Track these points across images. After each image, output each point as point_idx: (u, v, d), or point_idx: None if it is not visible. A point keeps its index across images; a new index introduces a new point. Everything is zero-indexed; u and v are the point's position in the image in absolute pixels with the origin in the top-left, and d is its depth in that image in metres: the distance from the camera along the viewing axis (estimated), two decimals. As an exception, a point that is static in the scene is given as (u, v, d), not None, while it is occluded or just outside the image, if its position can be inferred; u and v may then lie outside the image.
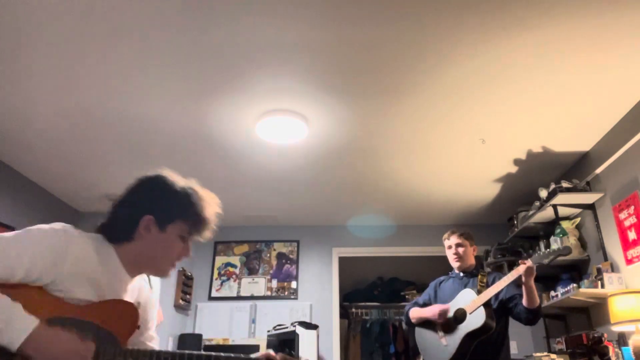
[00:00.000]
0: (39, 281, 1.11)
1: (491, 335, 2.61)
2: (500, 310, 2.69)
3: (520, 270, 2.52)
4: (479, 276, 2.78)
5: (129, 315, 1.21)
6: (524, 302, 2.56)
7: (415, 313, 2.88)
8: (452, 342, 2.63)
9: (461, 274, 2.90)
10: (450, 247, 2.92)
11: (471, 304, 2.63)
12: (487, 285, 2.71)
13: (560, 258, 3.49)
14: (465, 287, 2.79)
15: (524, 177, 4.14)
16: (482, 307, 2.58)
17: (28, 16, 2.34)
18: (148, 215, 1.26)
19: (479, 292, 2.66)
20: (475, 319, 2.58)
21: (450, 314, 2.69)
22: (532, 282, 2.53)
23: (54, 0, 2.24)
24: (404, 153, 3.76)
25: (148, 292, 1.43)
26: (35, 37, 2.48)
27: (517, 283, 2.60)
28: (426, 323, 2.82)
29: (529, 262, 2.53)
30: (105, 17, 2.36)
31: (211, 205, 1.32)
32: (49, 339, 1.03)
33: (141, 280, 1.39)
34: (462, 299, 2.71)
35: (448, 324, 2.68)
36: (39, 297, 1.10)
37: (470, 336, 2.58)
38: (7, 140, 3.57)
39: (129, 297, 1.29)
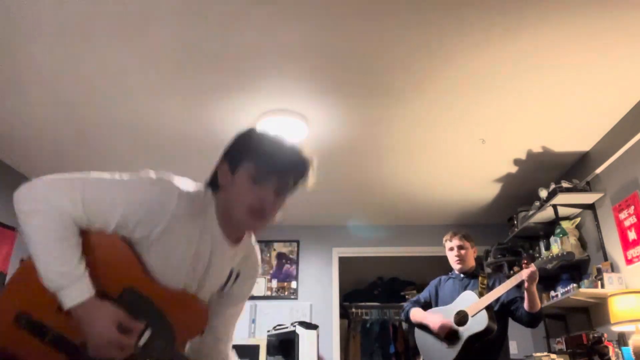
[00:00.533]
0: (132, 234, 1.10)
1: (491, 337, 2.61)
2: (501, 313, 2.70)
3: (523, 275, 2.52)
4: (480, 278, 2.78)
5: (199, 317, 1.19)
6: (526, 306, 2.57)
7: (417, 316, 2.86)
8: (455, 344, 2.63)
9: (461, 275, 2.90)
10: (452, 248, 2.92)
11: (473, 307, 2.62)
12: (488, 287, 2.71)
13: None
14: (465, 288, 2.79)
15: (524, 177, 4.14)
16: (484, 310, 2.58)
17: (28, 16, 2.34)
18: (223, 160, 1.25)
19: (480, 295, 2.66)
20: (478, 322, 2.58)
21: (452, 321, 2.68)
22: (534, 288, 2.53)
23: (54, 0, 2.24)
24: (404, 153, 3.76)
25: (254, 267, 1.37)
26: (35, 37, 2.48)
27: (518, 286, 2.61)
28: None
29: (532, 267, 2.53)
30: (105, 17, 2.36)
31: (278, 143, 1.23)
32: (94, 316, 1.03)
33: (252, 251, 1.36)
34: (463, 301, 2.71)
35: (449, 332, 2.67)
36: (125, 259, 1.10)
37: (473, 339, 2.58)
38: (7, 140, 3.57)
39: (227, 263, 1.27)
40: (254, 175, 1.18)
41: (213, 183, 1.27)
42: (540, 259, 2.64)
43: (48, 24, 2.39)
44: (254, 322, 5.12)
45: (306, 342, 3.96)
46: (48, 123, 3.32)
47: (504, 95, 2.98)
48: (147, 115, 3.24)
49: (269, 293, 5.28)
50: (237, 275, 1.31)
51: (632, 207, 3.14)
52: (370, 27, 2.45)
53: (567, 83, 2.86)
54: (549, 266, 2.58)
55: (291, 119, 3.23)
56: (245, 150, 1.22)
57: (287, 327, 4.20)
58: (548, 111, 3.16)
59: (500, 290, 2.60)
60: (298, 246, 5.46)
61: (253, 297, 5.22)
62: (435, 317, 2.73)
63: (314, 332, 4.04)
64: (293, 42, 2.55)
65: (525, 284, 2.52)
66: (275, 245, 5.48)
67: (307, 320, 4.93)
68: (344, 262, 5.52)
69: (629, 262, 3.18)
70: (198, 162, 3.92)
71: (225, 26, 2.42)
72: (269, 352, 4.51)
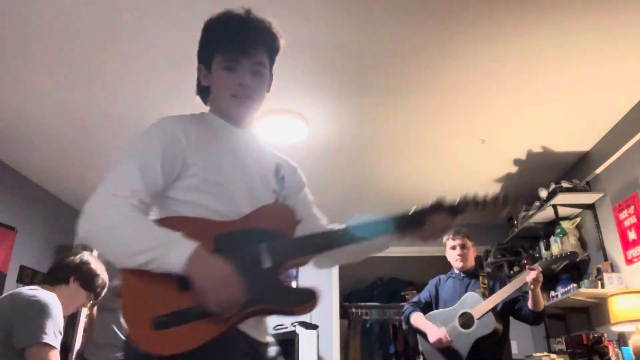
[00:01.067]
0: (182, 178, 1.11)
1: (498, 338, 2.63)
2: (503, 312, 2.70)
3: (528, 278, 2.53)
4: (480, 278, 2.78)
5: (288, 217, 1.18)
6: (530, 305, 2.59)
7: (417, 323, 2.84)
8: (462, 347, 2.61)
9: (462, 275, 2.89)
10: (454, 247, 2.91)
11: (478, 309, 2.62)
12: (489, 287, 2.71)
13: (560, 257, 3.47)
14: (466, 288, 2.79)
15: (524, 177, 4.14)
16: (490, 313, 2.59)
17: (28, 16, 2.34)
18: (199, 64, 1.28)
19: (483, 296, 2.67)
20: (485, 325, 2.59)
21: (455, 323, 2.67)
22: (539, 289, 2.54)
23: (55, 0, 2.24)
24: (404, 153, 3.76)
25: (298, 175, 1.38)
26: (35, 37, 2.48)
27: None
28: None
29: (537, 268, 2.54)
30: (106, 17, 2.36)
31: (231, 24, 1.25)
32: (209, 262, 1.00)
33: (287, 163, 1.37)
34: (467, 302, 2.70)
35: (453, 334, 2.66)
36: (201, 224, 1.09)
37: (480, 341, 2.58)
38: (7, 140, 3.57)
39: (258, 156, 1.28)
40: (225, 64, 1.21)
41: (201, 91, 1.30)
42: (544, 260, 2.64)
43: (48, 23, 2.39)
44: (254, 322, 5.12)
45: (306, 342, 3.96)
46: (48, 123, 3.31)
47: (504, 95, 2.98)
48: (147, 115, 3.23)
49: (269, 293, 5.27)
50: (279, 169, 1.32)
51: (632, 207, 3.14)
52: (370, 27, 2.45)
53: (567, 83, 2.86)
54: (554, 267, 2.60)
55: (291, 118, 3.23)
56: (209, 45, 1.25)
57: (287, 327, 4.20)
58: (548, 111, 3.16)
59: (506, 292, 2.61)
60: (298, 246, 5.45)
61: (253, 297, 5.23)
62: (433, 330, 2.69)
63: (314, 332, 4.05)
64: (293, 42, 2.55)
65: (531, 286, 2.52)
66: (275, 245, 5.47)
67: (307, 320, 4.93)
68: (344, 262, 5.51)
69: (629, 262, 3.18)
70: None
71: (225, 26, 2.42)
72: (269, 352, 4.51)
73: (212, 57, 1.23)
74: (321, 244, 1.19)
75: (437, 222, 1.25)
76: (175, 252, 0.98)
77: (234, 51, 1.20)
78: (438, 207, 1.27)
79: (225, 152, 1.18)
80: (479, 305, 2.63)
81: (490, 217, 1.32)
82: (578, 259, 2.63)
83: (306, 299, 1.08)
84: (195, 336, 0.97)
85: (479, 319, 2.60)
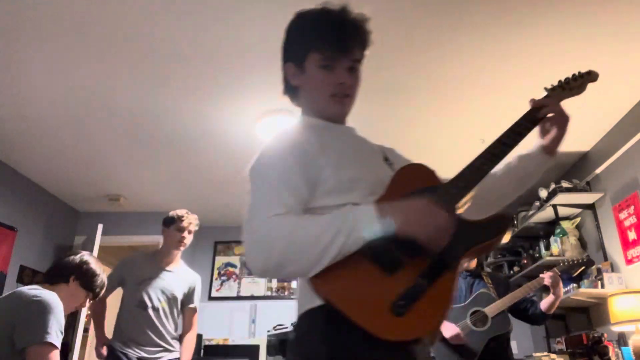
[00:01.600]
0: (319, 183, 1.04)
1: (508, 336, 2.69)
2: (508, 311, 2.74)
3: (547, 281, 2.60)
4: (484, 277, 2.81)
5: (425, 171, 1.18)
6: (545, 307, 2.66)
7: None
8: (475, 345, 2.62)
9: (465, 274, 2.90)
10: None
11: (493, 308, 2.65)
12: (494, 287, 2.75)
13: (560, 257, 3.54)
14: (471, 287, 2.80)
15: (524, 177, 4.14)
16: (504, 312, 2.64)
17: (28, 14, 2.34)
18: (287, 62, 1.20)
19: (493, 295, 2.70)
20: (501, 324, 2.63)
21: (467, 320, 2.67)
22: (560, 291, 2.62)
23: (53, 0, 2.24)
24: (404, 152, 3.75)
25: (398, 156, 1.39)
26: (35, 35, 2.48)
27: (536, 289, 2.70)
28: None
29: (556, 272, 2.62)
30: (106, 17, 2.36)
31: (329, 19, 1.15)
32: (399, 205, 0.95)
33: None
34: (478, 300, 2.71)
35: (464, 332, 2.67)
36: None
37: (491, 340, 2.61)
38: (7, 140, 3.57)
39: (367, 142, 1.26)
40: (322, 63, 1.13)
41: (289, 91, 1.23)
42: (562, 265, 2.71)
43: (48, 23, 2.39)
44: (254, 322, 5.13)
45: (306, 342, 3.95)
46: (48, 123, 3.32)
47: (504, 95, 2.99)
48: (147, 116, 3.24)
49: (269, 293, 5.28)
50: (386, 155, 1.32)
51: (632, 207, 3.14)
52: (370, 27, 2.45)
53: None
54: (572, 272, 2.68)
55: (291, 118, 3.23)
56: (303, 43, 1.16)
57: (287, 327, 4.20)
58: (548, 111, 3.16)
59: (523, 292, 2.65)
60: (298, 246, 5.46)
61: (253, 297, 5.23)
62: (449, 326, 2.67)
63: (314, 332, 4.04)
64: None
65: (552, 289, 2.61)
66: (275, 245, 5.48)
67: (307, 320, 4.93)
68: (344, 262, 5.52)
69: (629, 262, 3.18)
70: (197, 160, 3.92)
71: (225, 23, 2.42)
72: (269, 352, 4.52)
73: (306, 55, 1.14)
74: (480, 166, 1.19)
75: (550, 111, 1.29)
76: (363, 214, 0.93)
77: (334, 50, 1.13)
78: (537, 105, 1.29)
79: (344, 147, 1.13)
80: (494, 304, 2.65)
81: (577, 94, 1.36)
82: (593, 265, 2.71)
83: (502, 226, 1.04)
84: (439, 303, 0.91)
85: (493, 317, 2.62)
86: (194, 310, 2.88)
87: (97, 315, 2.85)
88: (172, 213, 2.84)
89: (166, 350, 2.73)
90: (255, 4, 2.29)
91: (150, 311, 2.68)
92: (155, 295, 2.70)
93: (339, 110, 1.19)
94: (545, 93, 1.35)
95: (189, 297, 2.84)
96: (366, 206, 0.95)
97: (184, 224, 2.78)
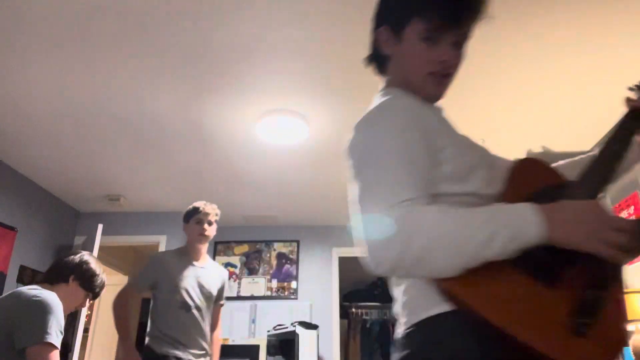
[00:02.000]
0: (436, 166, 0.88)
1: None
2: None
3: None
4: None
5: (542, 166, 1.01)
6: None
7: None
8: None
9: None
10: None
11: None
12: None
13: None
14: None
15: (524, 177, 4.14)
16: None
17: (28, 12, 2.34)
18: (382, 27, 1.05)
19: None
20: None
21: None
22: None
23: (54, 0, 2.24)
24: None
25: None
26: (35, 35, 2.48)
27: None
28: None
29: None
30: (106, 16, 2.36)
31: None
32: (567, 206, 0.79)
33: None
34: None
35: None
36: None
37: None
38: (7, 140, 3.57)
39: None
40: (426, 35, 0.96)
41: (376, 59, 1.08)
42: None
43: (48, 22, 2.39)
44: (254, 322, 5.13)
45: (306, 342, 3.96)
46: (48, 123, 3.32)
47: (504, 94, 2.99)
48: (147, 116, 3.24)
49: (269, 293, 5.28)
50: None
51: (632, 207, 3.14)
52: (370, 27, 2.45)
53: (567, 83, 2.86)
54: None
55: (291, 118, 3.23)
56: (407, 5, 1.00)
57: (287, 327, 4.20)
58: (548, 111, 3.17)
59: None
60: (298, 246, 5.47)
61: (253, 297, 5.24)
62: None
63: (314, 332, 4.05)
64: (293, 42, 2.55)
65: None
66: (275, 245, 5.48)
67: (307, 320, 4.94)
68: (344, 262, 5.53)
69: (629, 262, 3.18)
70: (197, 161, 3.92)
71: (225, 23, 2.42)
72: (269, 352, 4.52)
73: (408, 21, 0.98)
74: (606, 161, 1.01)
75: None
76: (529, 214, 0.77)
77: (443, 20, 0.94)
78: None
79: (450, 130, 0.97)
80: None
81: None
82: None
83: None
84: (617, 318, 0.79)
85: None
86: (222, 306, 2.80)
87: (122, 320, 2.56)
88: (189, 207, 2.74)
89: (207, 354, 2.61)
90: (256, 3, 2.29)
91: (195, 311, 2.57)
92: (195, 294, 2.59)
93: (436, 92, 1.01)
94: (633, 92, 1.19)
95: (221, 293, 2.75)
96: (527, 206, 0.78)
97: (202, 215, 2.67)
